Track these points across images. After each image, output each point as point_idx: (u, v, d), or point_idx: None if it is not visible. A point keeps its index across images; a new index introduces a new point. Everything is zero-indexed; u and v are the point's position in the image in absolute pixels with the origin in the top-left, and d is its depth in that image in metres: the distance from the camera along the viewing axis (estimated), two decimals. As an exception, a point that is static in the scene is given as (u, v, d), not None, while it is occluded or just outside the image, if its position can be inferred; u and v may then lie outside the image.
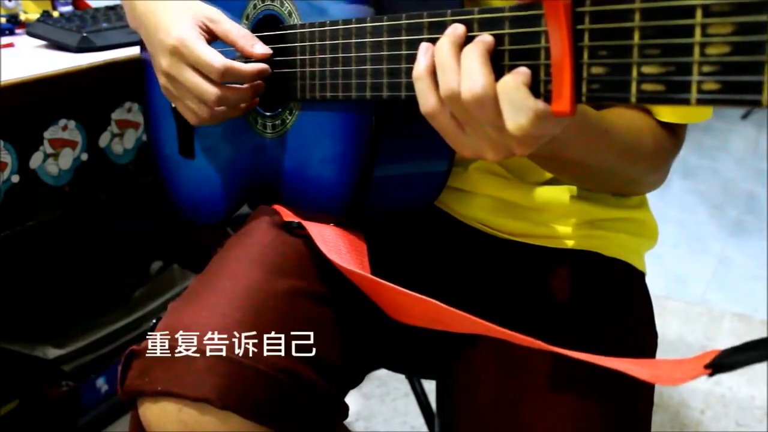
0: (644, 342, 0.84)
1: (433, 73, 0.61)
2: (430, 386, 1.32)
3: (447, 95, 0.60)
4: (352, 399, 0.79)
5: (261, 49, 0.80)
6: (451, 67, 0.59)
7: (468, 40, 0.60)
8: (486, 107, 0.57)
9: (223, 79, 0.78)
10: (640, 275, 0.89)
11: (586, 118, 0.69)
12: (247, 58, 0.81)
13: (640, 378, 0.56)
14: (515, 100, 0.55)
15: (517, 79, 0.55)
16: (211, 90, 0.79)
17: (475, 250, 0.88)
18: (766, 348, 0.51)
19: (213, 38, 0.82)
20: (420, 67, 0.62)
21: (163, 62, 0.82)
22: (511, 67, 0.56)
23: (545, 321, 0.82)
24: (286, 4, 0.81)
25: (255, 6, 0.85)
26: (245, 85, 0.80)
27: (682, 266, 2.45)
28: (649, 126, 0.78)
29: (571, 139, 0.68)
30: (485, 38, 0.58)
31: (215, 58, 0.78)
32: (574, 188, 0.86)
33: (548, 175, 0.85)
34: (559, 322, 0.81)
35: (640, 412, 0.79)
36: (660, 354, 0.86)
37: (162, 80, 0.84)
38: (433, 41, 0.62)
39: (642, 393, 0.79)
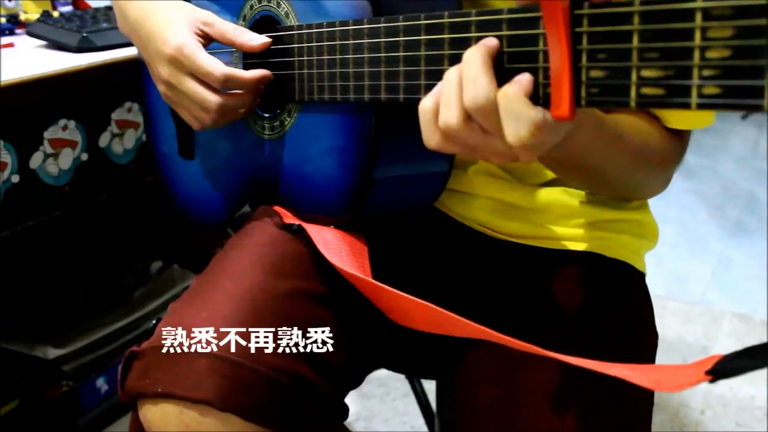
0: (644, 342, 0.84)
1: (437, 110, 0.60)
2: (430, 386, 1.32)
3: (443, 126, 0.59)
4: (352, 399, 0.79)
5: (259, 39, 0.80)
6: (474, 79, 0.58)
7: (466, 42, 0.59)
8: (490, 114, 0.56)
9: (224, 87, 0.78)
10: (641, 276, 0.89)
11: (601, 124, 0.69)
12: (246, 62, 0.81)
13: (642, 385, 0.56)
14: (514, 111, 0.54)
15: (516, 89, 0.55)
16: (212, 98, 0.79)
17: (475, 252, 0.88)
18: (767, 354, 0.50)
19: (209, 41, 0.82)
20: (427, 102, 0.61)
21: (162, 71, 0.82)
22: (510, 71, 0.56)
23: (546, 322, 0.82)
24: (283, 5, 0.81)
25: (252, 7, 0.85)
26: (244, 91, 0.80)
27: (682, 266, 2.45)
28: (658, 131, 0.78)
29: (589, 145, 0.68)
30: (488, 42, 0.57)
31: (216, 67, 0.78)
32: (573, 190, 0.86)
33: (548, 177, 0.85)
34: (559, 323, 0.81)
35: (640, 413, 0.79)
36: (660, 354, 0.86)
37: (161, 88, 0.84)
38: (431, 43, 0.62)
39: (642, 393, 0.78)
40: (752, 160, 3.47)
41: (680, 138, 0.80)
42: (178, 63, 0.79)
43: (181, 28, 0.80)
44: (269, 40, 0.80)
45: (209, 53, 0.79)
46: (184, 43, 0.79)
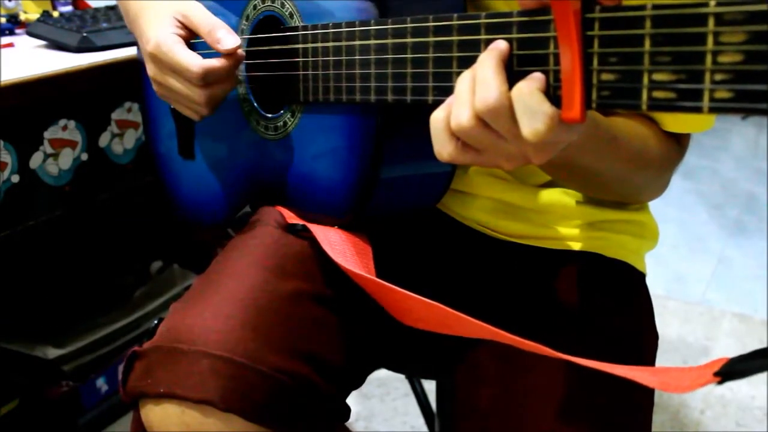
0: (645, 342, 0.85)
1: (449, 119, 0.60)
2: (430, 386, 1.32)
3: (455, 126, 0.59)
4: (352, 399, 0.79)
5: (229, 42, 0.77)
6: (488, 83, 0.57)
7: (476, 44, 0.59)
8: (501, 116, 0.56)
9: (204, 81, 0.77)
10: (641, 276, 0.89)
11: (596, 126, 0.69)
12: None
13: (649, 386, 0.55)
14: (530, 105, 0.54)
15: (531, 84, 0.54)
16: (196, 93, 0.78)
17: (476, 252, 0.88)
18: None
19: (191, 34, 0.81)
20: (439, 113, 0.60)
21: (148, 69, 0.82)
22: (520, 73, 0.56)
23: (546, 322, 0.82)
24: (287, 5, 0.80)
25: (255, 7, 0.85)
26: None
27: (682, 266, 2.46)
28: (656, 133, 0.78)
29: (583, 146, 0.67)
30: (499, 45, 0.57)
31: (192, 62, 0.76)
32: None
33: (548, 177, 0.85)
34: (560, 323, 0.81)
35: (640, 412, 0.79)
36: (660, 354, 0.86)
37: (153, 85, 0.84)
38: (439, 45, 0.62)
39: (642, 393, 0.79)
40: (752, 160, 3.48)
41: (678, 142, 0.80)
42: (159, 60, 0.79)
43: (162, 25, 0.80)
44: (239, 43, 0.78)
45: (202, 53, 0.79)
46: (162, 41, 0.78)
